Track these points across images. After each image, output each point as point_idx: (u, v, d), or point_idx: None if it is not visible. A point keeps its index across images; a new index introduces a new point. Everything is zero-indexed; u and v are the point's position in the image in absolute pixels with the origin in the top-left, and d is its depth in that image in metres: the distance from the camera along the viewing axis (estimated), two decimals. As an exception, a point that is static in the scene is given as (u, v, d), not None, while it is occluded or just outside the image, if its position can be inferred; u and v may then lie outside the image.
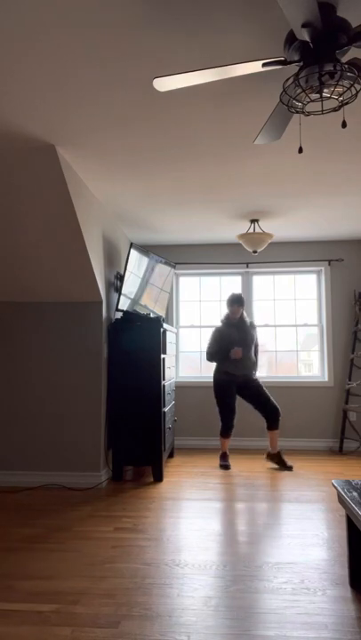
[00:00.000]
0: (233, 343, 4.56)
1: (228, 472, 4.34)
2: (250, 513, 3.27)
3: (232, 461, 4.75)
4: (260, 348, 4.67)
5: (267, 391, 4.57)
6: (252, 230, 4.77)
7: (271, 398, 4.53)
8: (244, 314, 4.71)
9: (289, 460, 4.72)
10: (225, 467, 4.47)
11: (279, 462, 4.47)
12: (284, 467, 4.44)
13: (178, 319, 5.72)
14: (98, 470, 3.95)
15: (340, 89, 1.82)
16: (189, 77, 1.91)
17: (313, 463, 4.66)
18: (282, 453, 4.52)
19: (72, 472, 3.97)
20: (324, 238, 5.41)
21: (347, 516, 2.31)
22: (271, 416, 4.49)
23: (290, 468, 4.40)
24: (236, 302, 4.60)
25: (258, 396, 4.52)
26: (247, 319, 4.71)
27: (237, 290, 5.64)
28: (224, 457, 4.59)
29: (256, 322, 5.55)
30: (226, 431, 4.58)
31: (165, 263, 4.80)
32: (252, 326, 4.71)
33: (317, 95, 1.89)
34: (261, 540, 2.82)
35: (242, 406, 5.39)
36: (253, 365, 4.61)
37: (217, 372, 4.61)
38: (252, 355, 4.62)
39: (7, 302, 4.14)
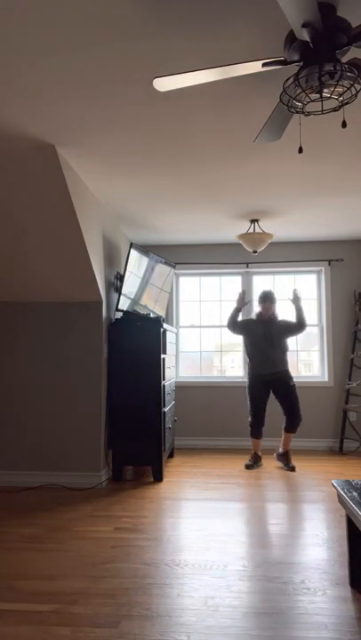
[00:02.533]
0: (257, 340, 4.53)
1: (229, 472, 4.34)
2: (250, 513, 3.27)
3: (232, 461, 4.74)
4: (304, 321, 4.51)
5: (296, 397, 4.50)
6: (252, 230, 4.77)
7: (297, 404, 4.49)
8: (276, 312, 4.64)
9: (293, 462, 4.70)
10: (247, 466, 4.46)
11: (285, 461, 4.47)
12: (287, 466, 4.44)
13: (178, 319, 5.72)
14: (98, 470, 3.95)
15: (340, 89, 1.82)
16: (189, 77, 1.91)
17: (313, 463, 4.66)
18: (290, 454, 4.53)
19: (72, 472, 3.97)
20: (324, 238, 5.41)
21: (347, 516, 2.31)
22: (290, 420, 4.49)
23: (292, 469, 4.39)
24: (268, 299, 4.56)
25: (285, 397, 4.49)
26: (278, 318, 4.63)
27: (238, 290, 5.64)
28: (252, 457, 4.56)
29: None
30: (253, 431, 4.57)
31: (165, 263, 4.80)
32: (286, 322, 4.60)
33: (317, 95, 1.89)
34: (261, 539, 2.82)
35: (242, 406, 5.40)
36: (284, 364, 4.52)
37: (248, 371, 4.62)
38: (284, 355, 4.54)
39: (7, 302, 4.14)
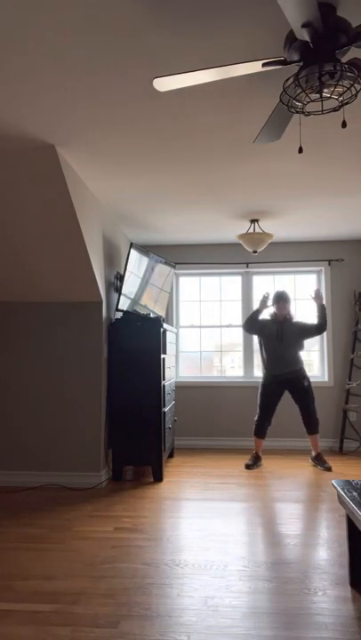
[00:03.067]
0: (271, 340, 4.53)
1: (229, 472, 4.34)
2: (250, 513, 3.27)
3: (232, 461, 4.74)
4: (325, 322, 4.51)
5: (312, 397, 4.51)
6: (252, 230, 4.77)
7: (312, 406, 4.50)
8: (292, 313, 4.64)
9: (286, 460, 4.69)
10: (247, 466, 4.46)
11: (320, 463, 4.48)
12: (322, 466, 4.43)
13: (178, 319, 5.72)
14: (98, 470, 3.95)
15: (340, 89, 1.82)
16: (189, 77, 1.91)
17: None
18: (321, 454, 4.54)
19: (72, 472, 3.97)
20: (324, 238, 5.41)
21: (347, 516, 2.31)
22: (308, 422, 4.51)
23: (329, 469, 4.38)
24: (282, 299, 4.56)
25: (301, 397, 4.50)
26: (294, 318, 4.63)
27: (238, 290, 5.64)
28: (253, 457, 4.56)
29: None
30: (256, 430, 4.58)
31: (165, 263, 4.80)
32: (301, 324, 4.59)
33: (317, 95, 1.89)
34: (261, 539, 2.82)
35: (242, 406, 5.40)
36: (298, 364, 4.51)
37: (263, 372, 4.63)
38: (298, 355, 4.54)
39: (7, 302, 4.14)
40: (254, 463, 4.50)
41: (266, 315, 4.69)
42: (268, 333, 4.57)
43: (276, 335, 4.52)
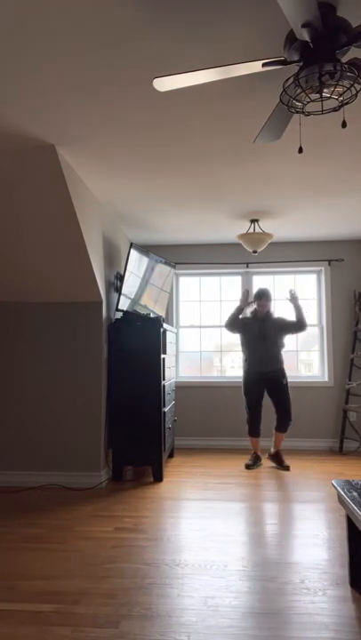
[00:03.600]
0: (252, 338, 4.54)
1: (229, 472, 4.34)
2: (250, 513, 3.27)
3: (232, 461, 4.75)
4: (304, 320, 4.50)
5: (288, 396, 4.50)
6: (252, 230, 4.77)
7: (289, 405, 4.50)
8: (272, 310, 4.65)
9: (287, 460, 4.68)
10: (247, 466, 4.46)
11: (278, 461, 4.49)
12: (281, 466, 4.45)
13: (178, 319, 5.72)
14: (98, 470, 3.95)
15: (340, 89, 1.82)
16: (189, 77, 1.91)
17: (313, 463, 4.66)
18: (281, 453, 4.54)
19: (72, 472, 3.97)
20: (324, 238, 5.41)
21: (347, 516, 2.31)
22: (281, 419, 4.51)
23: (287, 468, 4.40)
24: (263, 296, 4.56)
25: (278, 395, 4.50)
26: (275, 315, 4.63)
27: (238, 290, 5.64)
28: (252, 457, 4.56)
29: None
30: (249, 430, 4.58)
31: (165, 263, 4.80)
32: (283, 319, 4.59)
33: (317, 95, 1.89)
34: (261, 540, 2.82)
35: (242, 406, 5.40)
36: (279, 362, 4.52)
37: (244, 369, 4.63)
38: (279, 353, 4.54)
39: (7, 302, 4.14)
40: (254, 463, 4.50)
41: (246, 313, 4.69)
42: (249, 332, 4.57)
43: (258, 333, 4.53)
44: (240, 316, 4.61)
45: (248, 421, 4.57)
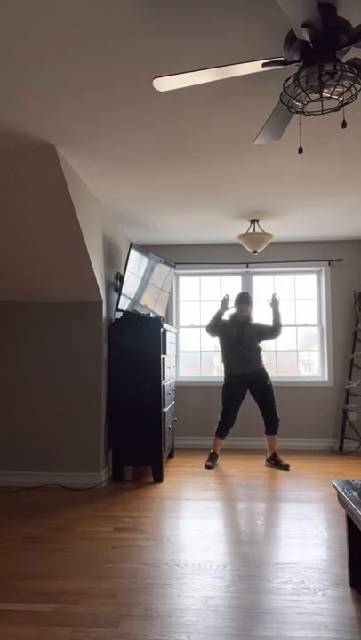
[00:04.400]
0: (231, 342, 4.55)
1: (229, 472, 4.34)
2: (250, 513, 3.27)
3: (232, 461, 4.74)
4: (279, 326, 4.51)
5: (273, 397, 4.53)
6: (252, 230, 4.77)
7: (274, 405, 4.52)
8: (252, 315, 4.66)
9: (284, 460, 4.65)
10: (208, 467, 4.46)
11: (276, 464, 4.49)
12: (280, 465, 4.46)
13: (178, 319, 5.72)
14: (98, 470, 3.95)
15: (340, 89, 1.82)
16: (189, 77, 1.91)
17: (313, 463, 4.66)
18: (277, 454, 4.56)
19: (72, 472, 3.97)
20: (324, 238, 5.41)
21: (347, 516, 2.31)
22: (269, 422, 4.53)
23: (286, 467, 4.41)
24: (244, 301, 4.58)
25: (262, 396, 4.52)
26: (253, 320, 4.64)
27: (238, 290, 5.64)
28: (211, 457, 4.57)
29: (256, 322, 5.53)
30: (220, 431, 4.59)
31: (165, 263, 4.80)
32: (260, 324, 4.61)
33: (317, 95, 1.89)
34: (261, 539, 2.82)
35: (244, 406, 5.39)
36: (260, 364, 4.54)
37: (224, 372, 4.65)
38: (258, 355, 4.56)
39: (7, 302, 4.14)
40: (214, 463, 4.52)
41: (226, 316, 4.69)
42: (228, 335, 4.57)
43: (235, 337, 4.54)
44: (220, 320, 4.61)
45: (221, 423, 4.57)
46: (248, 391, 4.61)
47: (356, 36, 1.71)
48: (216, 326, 4.60)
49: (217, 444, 4.62)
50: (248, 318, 4.62)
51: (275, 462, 4.50)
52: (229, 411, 4.56)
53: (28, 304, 4.12)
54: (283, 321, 4.61)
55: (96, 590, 2.23)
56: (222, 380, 5.46)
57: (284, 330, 4.71)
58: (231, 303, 4.60)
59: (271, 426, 4.54)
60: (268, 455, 4.58)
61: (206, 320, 5.67)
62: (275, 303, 4.56)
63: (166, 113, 2.56)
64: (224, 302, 4.58)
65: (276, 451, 4.57)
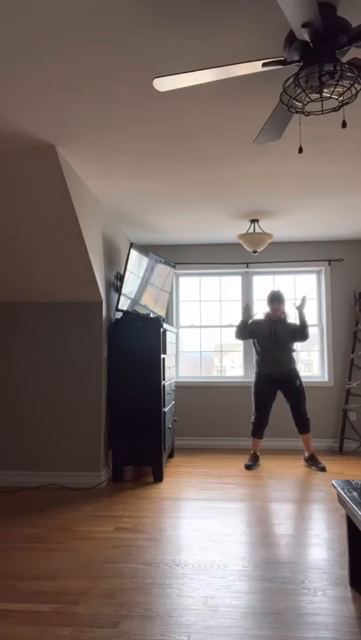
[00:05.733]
0: (264, 340, 4.55)
1: (228, 472, 4.34)
2: (250, 513, 3.27)
3: (232, 461, 4.75)
4: (306, 328, 4.49)
5: (302, 397, 4.51)
6: (252, 230, 4.77)
7: (304, 406, 4.50)
8: (286, 313, 4.64)
9: (322, 462, 4.64)
10: (247, 466, 4.46)
11: (314, 463, 4.49)
12: (317, 466, 4.44)
13: (178, 319, 5.72)
14: (98, 470, 3.95)
15: (340, 89, 1.82)
16: (189, 77, 1.91)
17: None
18: (315, 454, 4.56)
19: (72, 472, 3.97)
20: (324, 238, 5.41)
21: (347, 516, 2.31)
22: (299, 422, 4.52)
23: (323, 469, 4.39)
24: (275, 299, 4.56)
25: (292, 397, 4.52)
26: (288, 318, 4.62)
27: (238, 289, 5.65)
28: (251, 457, 4.57)
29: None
30: (254, 430, 4.59)
31: (165, 263, 4.80)
32: (293, 326, 4.57)
33: (317, 95, 1.89)
34: (261, 539, 2.82)
35: (242, 406, 5.40)
36: (292, 364, 4.52)
37: (255, 371, 4.64)
38: (290, 354, 4.54)
39: (7, 302, 4.14)
40: (254, 463, 4.50)
41: (260, 314, 4.72)
42: (261, 334, 4.59)
43: (268, 335, 4.54)
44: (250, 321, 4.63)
45: (254, 422, 4.59)
46: (279, 391, 4.61)
47: (356, 36, 1.71)
48: (244, 330, 4.61)
49: (254, 444, 4.61)
50: (283, 316, 4.60)
51: (312, 462, 4.50)
52: (260, 410, 4.55)
53: (27, 304, 4.12)
54: (308, 323, 4.57)
55: (96, 590, 2.23)
56: (222, 380, 5.48)
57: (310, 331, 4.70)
58: (254, 310, 4.60)
59: (304, 425, 4.51)
60: (306, 455, 4.56)
61: (206, 320, 5.68)
62: (301, 307, 4.54)
63: (166, 113, 2.56)
64: (246, 310, 4.60)
65: (313, 451, 4.55)
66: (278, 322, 4.58)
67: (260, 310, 4.67)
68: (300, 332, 4.54)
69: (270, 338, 4.53)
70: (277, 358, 4.51)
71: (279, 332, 4.53)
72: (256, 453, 4.58)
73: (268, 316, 4.65)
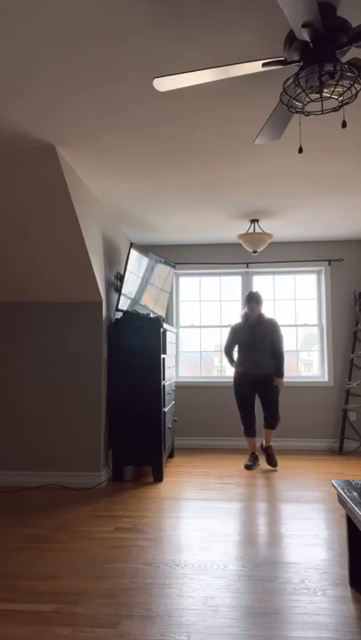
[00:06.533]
0: (243, 342, 4.54)
1: (228, 472, 4.34)
2: (250, 513, 3.27)
3: (232, 461, 4.75)
4: (282, 356, 4.48)
5: (277, 399, 4.49)
6: (252, 230, 4.77)
7: (277, 407, 4.49)
8: (263, 313, 4.61)
9: (283, 460, 4.67)
10: (247, 467, 4.47)
11: (267, 457, 4.51)
12: (270, 462, 4.47)
13: (178, 319, 5.72)
14: (98, 470, 3.95)
15: (340, 89, 1.82)
16: (190, 77, 1.91)
17: (313, 463, 4.66)
18: (272, 450, 4.56)
19: (72, 472, 3.97)
20: (324, 238, 5.41)
21: (347, 516, 2.31)
22: (267, 417, 4.52)
23: (274, 465, 4.44)
24: (253, 300, 4.53)
25: (267, 399, 4.51)
26: (266, 318, 4.59)
27: (238, 290, 5.65)
28: (250, 457, 4.58)
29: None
30: (245, 430, 4.60)
31: (165, 263, 4.80)
32: (273, 325, 4.55)
33: (317, 95, 1.89)
34: (261, 540, 2.82)
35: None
36: (270, 366, 4.49)
37: (235, 370, 4.63)
38: (269, 356, 4.51)
39: (7, 302, 4.14)
40: (253, 463, 4.50)
41: (238, 318, 4.72)
42: (240, 336, 4.57)
43: (248, 338, 4.52)
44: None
45: (242, 422, 4.60)
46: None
47: (356, 36, 1.71)
48: (230, 349, 4.64)
49: (249, 443, 4.61)
50: (260, 318, 4.57)
51: (267, 455, 4.51)
52: (243, 409, 4.56)
53: (27, 304, 4.12)
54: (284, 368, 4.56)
55: (96, 590, 2.23)
56: (222, 380, 5.48)
57: (283, 330, 4.69)
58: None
59: (269, 421, 4.50)
60: (264, 444, 4.56)
61: (206, 320, 5.68)
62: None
63: (166, 113, 2.56)
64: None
65: (271, 445, 4.56)
66: (257, 326, 4.53)
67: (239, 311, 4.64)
68: (277, 353, 4.49)
69: (250, 344, 4.50)
70: (257, 361, 4.49)
71: (257, 335, 4.49)
72: (255, 453, 4.58)
73: (245, 317, 4.61)
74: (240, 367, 4.55)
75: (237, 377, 4.58)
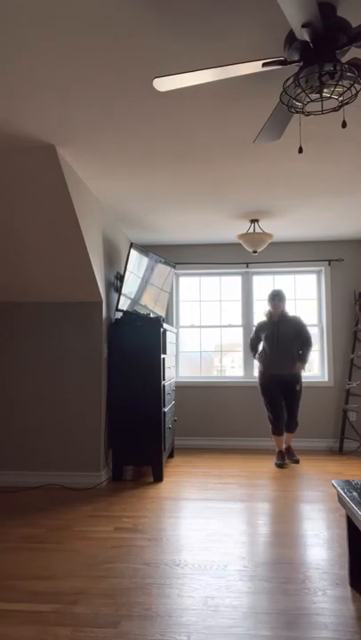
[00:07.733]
0: (268, 338, 4.62)
1: (228, 472, 4.34)
2: (250, 513, 3.27)
3: (232, 461, 4.75)
4: (311, 346, 4.62)
5: (298, 402, 4.63)
6: (252, 230, 4.77)
7: (297, 410, 4.63)
8: (287, 310, 4.71)
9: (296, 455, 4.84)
10: (279, 465, 4.52)
11: (289, 455, 4.67)
12: (291, 459, 4.63)
13: (178, 319, 5.72)
14: (98, 470, 3.95)
15: (340, 89, 1.82)
16: (189, 77, 1.91)
17: (313, 463, 4.67)
18: (291, 448, 4.73)
19: (72, 472, 3.97)
20: (324, 238, 5.41)
21: (347, 516, 2.31)
22: (290, 425, 4.65)
23: (297, 461, 4.58)
24: (276, 297, 4.62)
25: (289, 400, 4.61)
26: (290, 315, 4.68)
27: (238, 289, 5.64)
28: (278, 455, 4.64)
29: (257, 322, 5.54)
30: (273, 429, 4.65)
31: (165, 263, 4.80)
32: (298, 322, 4.64)
33: (317, 95, 1.89)
34: (261, 540, 2.82)
35: (242, 406, 5.40)
36: (294, 363, 4.56)
37: (258, 369, 4.73)
38: (293, 352, 4.58)
39: (7, 302, 4.14)
40: (283, 461, 4.57)
41: (262, 315, 4.83)
42: (265, 335, 4.68)
43: (271, 337, 4.61)
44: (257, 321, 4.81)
45: (271, 420, 4.65)
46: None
47: (356, 36, 1.71)
48: (255, 344, 4.79)
49: (278, 442, 4.68)
50: (283, 315, 4.65)
51: (289, 454, 4.67)
52: (273, 409, 4.61)
53: (27, 304, 4.12)
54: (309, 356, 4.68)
55: (96, 590, 2.23)
56: (222, 380, 5.50)
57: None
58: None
59: (288, 425, 4.66)
60: (284, 446, 4.71)
61: (206, 320, 5.68)
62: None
63: (167, 113, 2.56)
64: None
65: (290, 445, 4.72)
66: (281, 322, 4.62)
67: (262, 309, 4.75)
68: (305, 343, 4.61)
69: (273, 338, 4.57)
70: (281, 359, 4.56)
71: (282, 333, 4.58)
72: (282, 451, 4.65)
73: (269, 314, 4.71)
74: (267, 367, 4.61)
75: (264, 378, 4.64)
